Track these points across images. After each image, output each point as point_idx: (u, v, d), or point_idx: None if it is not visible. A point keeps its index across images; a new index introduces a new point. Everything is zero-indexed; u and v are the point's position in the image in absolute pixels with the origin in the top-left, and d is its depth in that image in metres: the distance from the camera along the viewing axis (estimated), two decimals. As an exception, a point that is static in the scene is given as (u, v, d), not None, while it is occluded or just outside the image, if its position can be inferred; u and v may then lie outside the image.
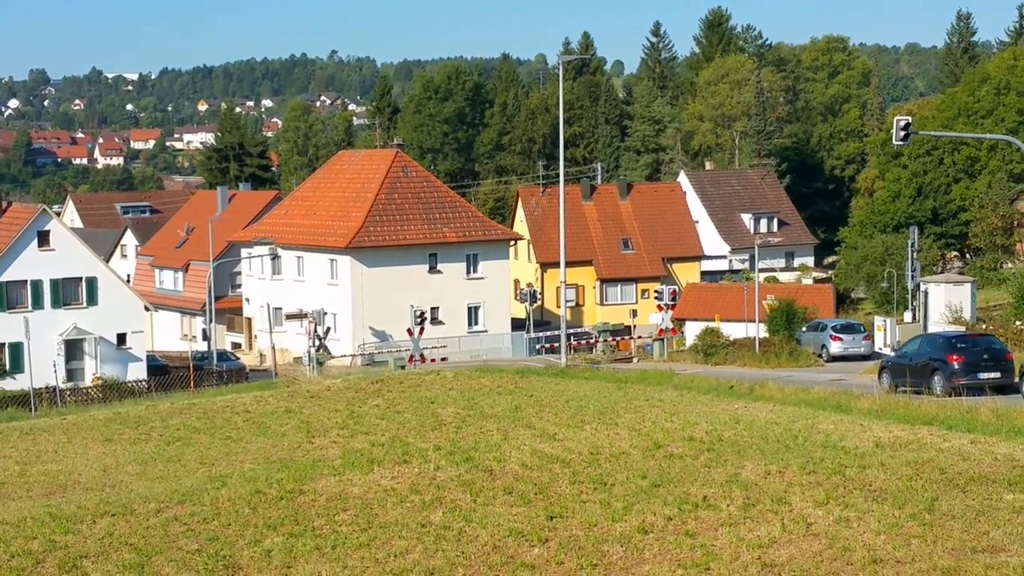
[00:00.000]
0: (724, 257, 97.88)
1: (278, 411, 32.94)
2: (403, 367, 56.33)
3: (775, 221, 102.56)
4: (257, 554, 16.46)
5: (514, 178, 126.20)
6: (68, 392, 56.19)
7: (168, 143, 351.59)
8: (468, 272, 72.85)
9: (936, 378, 37.31)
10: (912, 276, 68.44)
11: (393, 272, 70.34)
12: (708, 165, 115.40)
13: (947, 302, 58.72)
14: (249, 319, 78.94)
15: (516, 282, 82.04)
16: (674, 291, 67.16)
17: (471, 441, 24.17)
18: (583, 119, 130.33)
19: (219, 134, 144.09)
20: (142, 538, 17.53)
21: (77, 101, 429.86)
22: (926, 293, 60.70)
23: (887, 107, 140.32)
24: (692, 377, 38.03)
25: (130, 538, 17.55)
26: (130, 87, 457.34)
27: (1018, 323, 54.62)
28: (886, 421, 24.77)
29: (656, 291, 67.98)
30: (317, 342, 64.65)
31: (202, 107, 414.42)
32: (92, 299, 60.99)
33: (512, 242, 78.20)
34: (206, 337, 74.51)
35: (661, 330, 65.07)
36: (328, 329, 67.88)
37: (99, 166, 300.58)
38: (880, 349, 57.01)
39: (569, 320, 67.39)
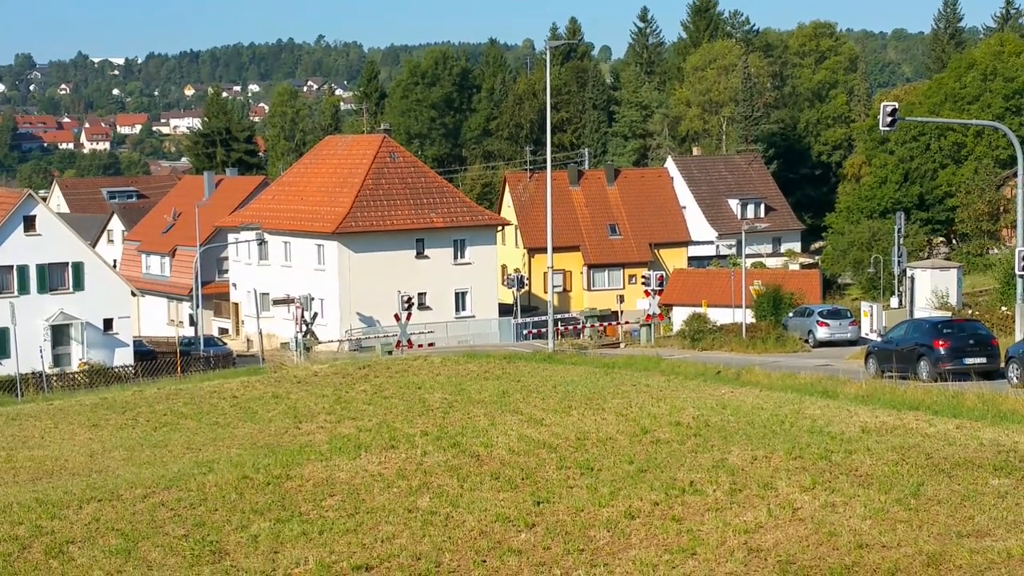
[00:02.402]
0: (711, 243, 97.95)
1: (265, 396, 32.89)
2: (390, 352, 56.30)
3: (762, 207, 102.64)
4: (244, 539, 16.45)
5: (501, 163, 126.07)
6: (54, 377, 56.07)
7: (154, 128, 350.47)
8: (455, 257, 72.80)
9: (922, 363, 37.38)
10: (898, 262, 68.47)
11: (380, 257, 70.29)
12: (695, 151, 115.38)
13: (933, 288, 58.75)
14: (236, 304, 78.83)
15: (503, 267, 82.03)
16: (661, 276, 67.19)
17: (458, 426, 24.18)
18: (570, 104, 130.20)
19: (206, 119, 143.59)
20: (129, 523, 17.51)
21: (63, 86, 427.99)
22: (912, 279, 60.72)
23: (874, 93, 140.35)
24: (679, 362, 38.10)
25: (116, 523, 17.54)
26: (116, 72, 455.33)
27: (1004, 308, 54.65)
28: (872, 406, 24.85)
29: (643, 276, 68.00)
30: (304, 327, 64.58)
31: (189, 92, 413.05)
32: (78, 284, 60.80)
33: (499, 228, 78.15)
34: (193, 322, 74.39)
35: (648, 315, 65.11)
36: (315, 314, 67.78)
37: (85, 151, 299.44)
38: (866, 335, 57.08)
39: (556, 306, 67.43)
